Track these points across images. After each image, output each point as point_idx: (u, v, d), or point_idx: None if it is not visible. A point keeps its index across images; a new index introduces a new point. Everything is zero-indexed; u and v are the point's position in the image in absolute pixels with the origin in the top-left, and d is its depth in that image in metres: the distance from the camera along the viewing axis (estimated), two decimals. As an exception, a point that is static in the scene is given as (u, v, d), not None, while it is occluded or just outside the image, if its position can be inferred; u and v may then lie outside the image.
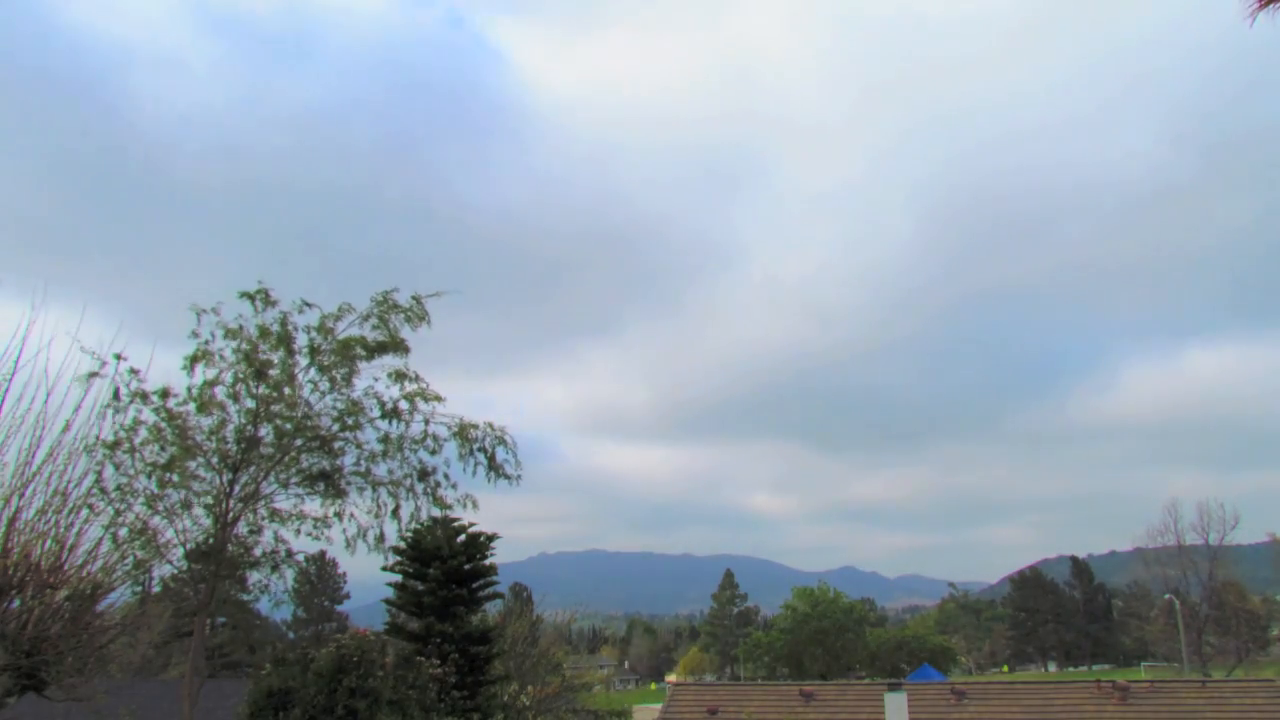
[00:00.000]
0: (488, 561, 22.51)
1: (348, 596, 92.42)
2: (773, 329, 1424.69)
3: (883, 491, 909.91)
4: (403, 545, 20.01)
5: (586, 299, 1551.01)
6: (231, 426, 16.03)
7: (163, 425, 15.66)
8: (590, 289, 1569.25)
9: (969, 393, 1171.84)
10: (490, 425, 17.39)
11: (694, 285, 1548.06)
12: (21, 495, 10.00)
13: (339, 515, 16.95)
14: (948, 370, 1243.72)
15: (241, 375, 16.12)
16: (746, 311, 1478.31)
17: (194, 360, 16.05)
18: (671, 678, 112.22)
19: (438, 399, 17.08)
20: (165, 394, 15.71)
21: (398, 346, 16.78)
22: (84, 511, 10.96)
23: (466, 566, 22.08)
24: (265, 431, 16.22)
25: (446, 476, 17.11)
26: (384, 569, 20.69)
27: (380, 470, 16.90)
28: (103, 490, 14.25)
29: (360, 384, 16.79)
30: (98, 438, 13.88)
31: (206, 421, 15.99)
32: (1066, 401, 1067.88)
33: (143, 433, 15.54)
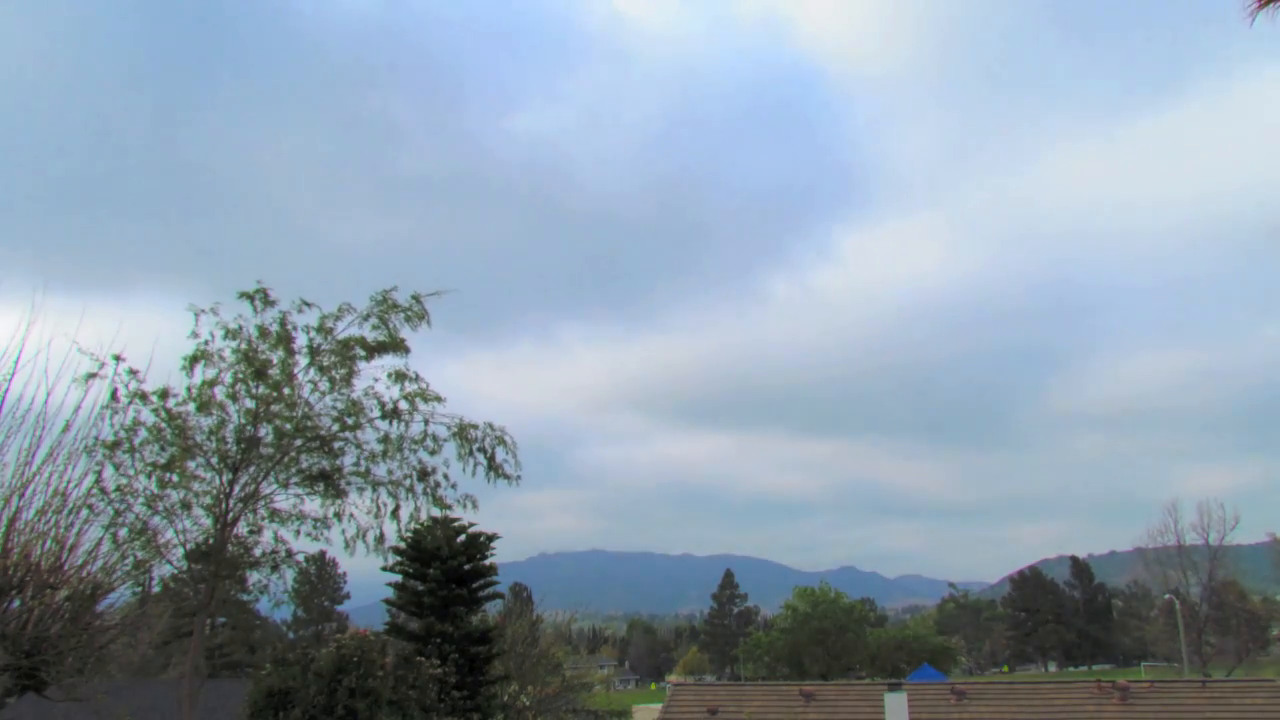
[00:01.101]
0: (488, 561, 22.52)
1: (348, 596, 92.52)
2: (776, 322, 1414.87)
3: (890, 484, 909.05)
4: (403, 545, 20.00)
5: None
6: (231, 426, 16.00)
7: (162, 425, 15.64)
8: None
9: (969, 390, 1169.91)
10: (490, 425, 17.37)
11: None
12: (21, 495, 10.02)
13: (339, 515, 16.91)
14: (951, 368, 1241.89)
15: (241, 375, 16.10)
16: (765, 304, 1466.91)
17: (193, 360, 16.03)
18: (671, 678, 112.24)
19: (438, 399, 17.05)
20: (164, 394, 15.69)
21: (397, 346, 16.76)
22: (84, 512, 11.00)
23: (466, 566, 22.09)
24: (265, 431, 16.20)
25: (446, 477, 17.06)
26: (384, 569, 20.69)
27: (380, 470, 16.86)
28: (103, 491, 14.23)
29: (360, 384, 16.77)
30: (97, 438, 13.92)
31: (206, 422, 15.97)
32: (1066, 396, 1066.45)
33: (142, 433, 15.53)
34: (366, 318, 16.67)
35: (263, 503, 16.61)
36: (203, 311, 16.19)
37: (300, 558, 17.52)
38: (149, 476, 15.42)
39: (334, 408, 16.59)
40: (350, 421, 16.58)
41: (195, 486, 15.81)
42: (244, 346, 16.20)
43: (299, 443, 16.35)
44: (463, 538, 21.79)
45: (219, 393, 16.06)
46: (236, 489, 16.08)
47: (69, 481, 10.48)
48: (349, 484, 16.87)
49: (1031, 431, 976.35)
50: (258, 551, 16.88)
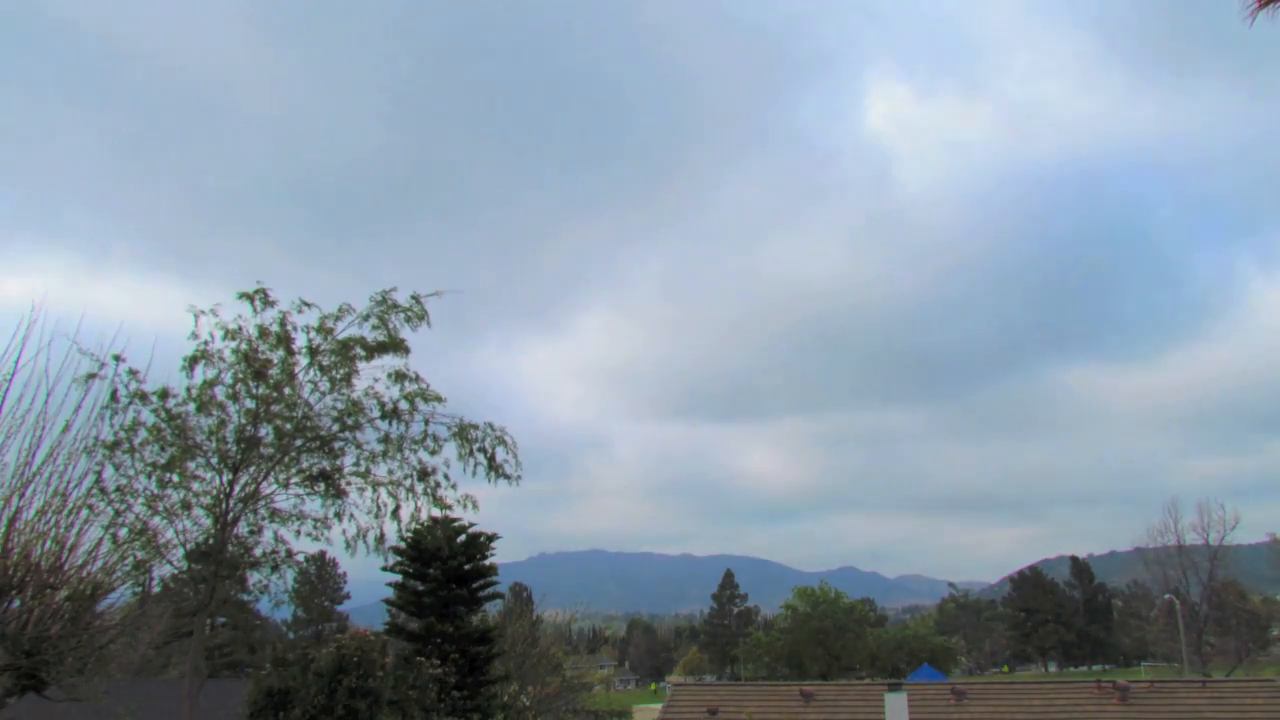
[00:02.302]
0: (488, 561, 22.55)
1: (348, 596, 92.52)
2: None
3: (892, 483, 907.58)
4: (403, 545, 20.02)
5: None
6: (231, 427, 16.01)
7: (162, 426, 15.65)
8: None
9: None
10: (490, 425, 17.38)
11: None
12: (21, 495, 10.01)
13: (339, 516, 16.91)
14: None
15: (241, 376, 16.11)
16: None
17: (192, 361, 16.04)
18: (671, 678, 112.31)
19: (438, 399, 17.06)
20: (164, 394, 15.70)
21: (397, 346, 16.77)
22: (84, 512, 10.97)
23: (466, 566, 22.12)
24: (265, 432, 16.21)
25: (446, 477, 17.07)
26: (384, 569, 20.72)
27: (380, 471, 16.86)
28: (103, 491, 14.23)
29: (360, 384, 16.78)
30: (97, 438, 13.91)
31: (206, 422, 15.98)
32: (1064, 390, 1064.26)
33: (142, 433, 15.53)
34: (366, 318, 16.69)
35: (263, 503, 16.62)
36: (202, 313, 16.21)
37: (300, 558, 17.53)
38: (149, 477, 15.42)
39: (334, 408, 16.60)
40: (350, 422, 16.59)
41: (195, 486, 15.83)
42: (244, 347, 16.22)
43: (299, 443, 16.36)
44: (463, 538, 21.81)
45: (219, 393, 16.08)
46: (236, 489, 16.09)
47: (69, 481, 10.46)
48: (349, 484, 16.88)
49: (1034, 428, 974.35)
50: (258, 551, 16.89)
